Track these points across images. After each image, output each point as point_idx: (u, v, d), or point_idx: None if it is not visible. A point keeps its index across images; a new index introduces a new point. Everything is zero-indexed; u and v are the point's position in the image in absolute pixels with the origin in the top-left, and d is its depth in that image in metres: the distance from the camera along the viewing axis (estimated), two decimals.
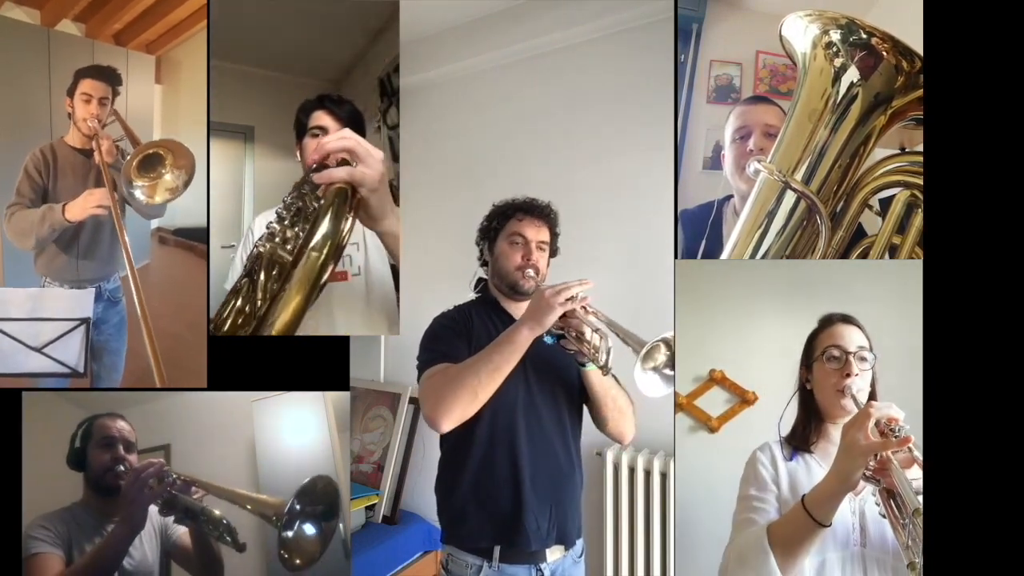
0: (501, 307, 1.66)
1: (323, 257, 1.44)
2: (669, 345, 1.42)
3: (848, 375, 1.38)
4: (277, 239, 1.51)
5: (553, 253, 1.70)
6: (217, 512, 1.56)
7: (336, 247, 1.46)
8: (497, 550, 1.52)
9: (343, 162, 1.50)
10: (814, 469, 1.41)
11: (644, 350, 1.37)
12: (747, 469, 1.47)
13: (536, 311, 1.44)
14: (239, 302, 1.53)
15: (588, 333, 1.46)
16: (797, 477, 1.41)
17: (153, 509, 1.56)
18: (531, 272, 1.61)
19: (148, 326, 1.73)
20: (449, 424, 1.44)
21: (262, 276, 1.50)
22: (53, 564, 1.50)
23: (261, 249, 1.52)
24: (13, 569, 1.64)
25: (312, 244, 1.44)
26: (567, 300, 1.42)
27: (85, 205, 1.88)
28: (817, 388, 1.45)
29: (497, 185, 1.71)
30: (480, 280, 1.74)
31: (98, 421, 1.65)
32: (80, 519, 1.58)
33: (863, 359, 1.40)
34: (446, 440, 1.59)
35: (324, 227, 1.45)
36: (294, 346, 1.78)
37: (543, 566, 1.53)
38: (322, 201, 1.50)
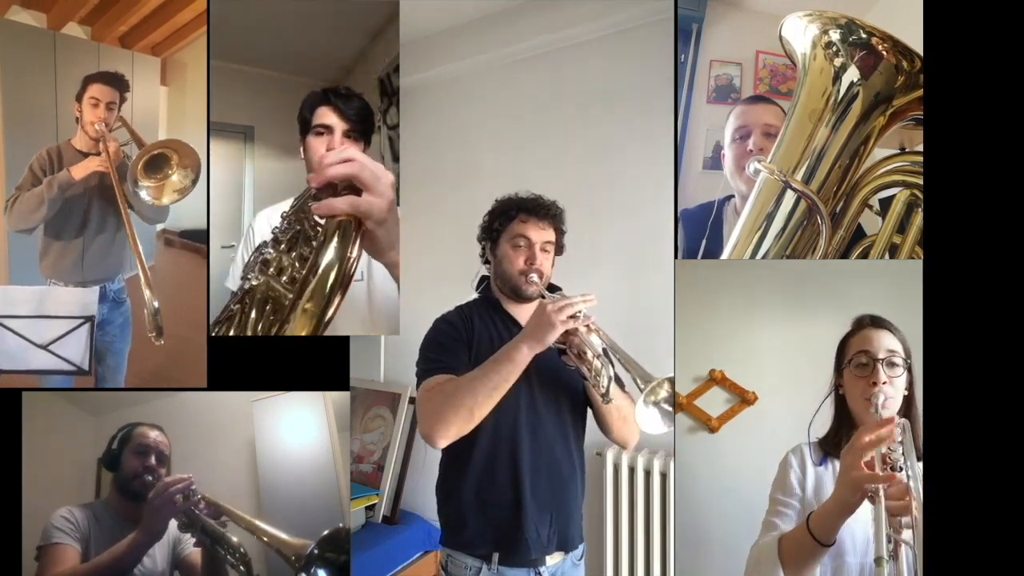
0: (503, 309, 1.62)
1: (324, 301, 1.29)
2: (671, 383, 1.39)
3: (875, 383, 1.35)
4: (272, 269, 1.37)
5: (559, 251, 1.64)
6: (235, 539, 1.56)
7: (342, 278, 1.30)
8: (496, 556, 1.50)
9: (349, 184, 1.34)
10: None
11: (650, 387, 1.35)
12: (779, 470, 1.47)
13: (537, 328, 1.39)
14: (233, 332, 1.45)
15: (590, 355, 1.42)
16: (823, 482, 1.41)
17: (172, 522, 1.56)
18: (534, 277, 1.55)
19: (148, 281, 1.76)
20: (445, 442, 1.43)
21: (253, 314, 1.38)
22: (70, 556, 1.52)
23: (255, 282, 1.39)
24: (14, 568, 1.64)
25: (311, 286, 1.28)
26: (569, 318, 1.38)
27: (89, 165, 1.92)
28: (848, 394, 1.42)
29: (497, 185, 1.69)
30: (483, 279, 1.69)
31: (138, 428, 1.69)
32: (101, 517, 1.61)
33: (893, 364, 1.36)
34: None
35: (328, 257, 1.29)
36: (294, 346, 1.78)
37: (542, 569, 1.52)
38: (321, 232, 1.34)
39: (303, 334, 1.30)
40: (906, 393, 1.38)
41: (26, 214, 1.93)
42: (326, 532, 1.55)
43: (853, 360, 1.40)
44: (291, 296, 1.33)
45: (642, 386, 1.34)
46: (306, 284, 1.29)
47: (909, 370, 1.39)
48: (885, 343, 1.38)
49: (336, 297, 1.30)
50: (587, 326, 1.42)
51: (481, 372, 1.41)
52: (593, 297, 1.43)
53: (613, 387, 1.42)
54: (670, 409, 1.40)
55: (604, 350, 1.44)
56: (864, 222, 1.66)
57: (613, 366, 1.46)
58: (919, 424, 1.41)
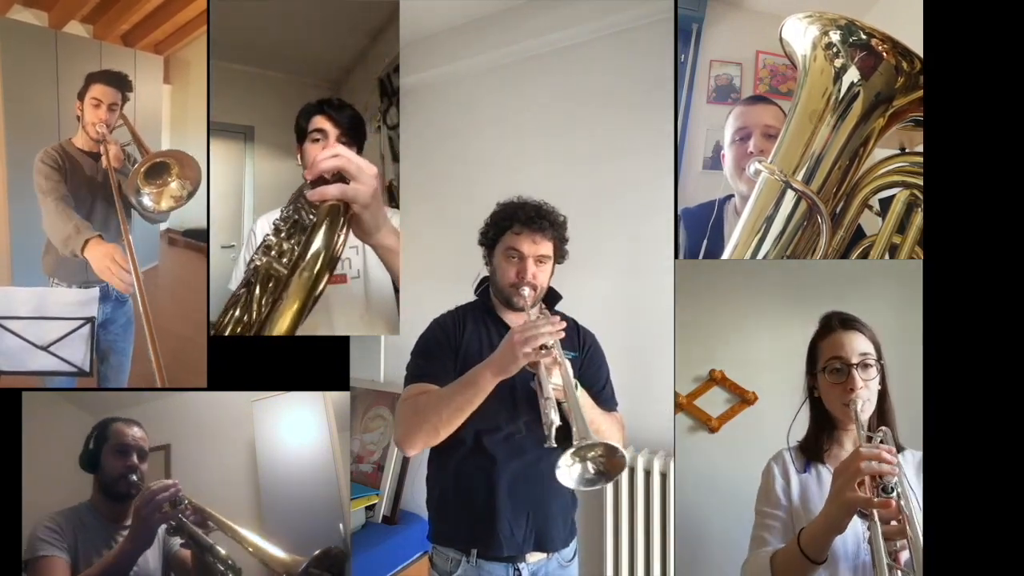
0: (497, 315, 1.62)
1: (315, 274, 1.50)
2: (613, 454, 1.29)
3: (852, 390, 1.34)
4: (273, 252, 1.58)
5: (560, 260, 1.63)
6: (223, 551, 1.53)
7: (330, 260, 1.51)
8: (475, 551, 1.52)
9: (339, 178, 1.52)
10: (825, 480, 1.39)
11: (580, 444, 1.26)
12: (762, 480, 1.46)
13: (502, 356, 1.38)
14: (238, 312, 1.58)
15: (543, 393, 1.36)
16: (809, 489, 1.40)
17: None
18: (525, 291, 1.52)
19: (151, 329, 1.75)
20: (414, 452, 1.50)
21: (257, 290, 1.56)
22: (58, 568, 1.49)
23: (258, 263, 1.57)
24: (13, 569, 1.64)
25: (305, 262, 1.50)
26: (534, 350, 1.35)
27: (102, 262, 1.85)
28: (825, 398, 1.42)
29: (497, 185, 1.69)
30: (484, 280, 1.69)
31: (114, 426, 1.63)
32: (86, 520, 1.58)
33: (867, 366, 1.35)
34: None
35: (317, 243, 1.50)
36: (294, 346, 1.79)
37: (521, 566, 1.53)
38: (315, 215, 1.53)
39: (297, 305, 1.49)
40: (880, 388, 1.38)
41: (48, 227, 1.91)
42: (318, 552, 1.54)
43: (827, 367, 1.39)
44: (288, 271, 1.55)
45: (576, 442, 1.27)
46: (304, 252, 1.50)
47: (881, 366, 1.38)
48: (857, 347, 1.37)
49: (325, 273, 1.51)
50: (554, 358, 1.38)
51: (448, 392, 1.44)
52: (564, 325, 1.40)
53: (553, 444, 1.31)
54: (589, 475, 1.31)
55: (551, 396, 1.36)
56: (864, 222, 1.66)
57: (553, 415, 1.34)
58: (893, 416, 1.40)
